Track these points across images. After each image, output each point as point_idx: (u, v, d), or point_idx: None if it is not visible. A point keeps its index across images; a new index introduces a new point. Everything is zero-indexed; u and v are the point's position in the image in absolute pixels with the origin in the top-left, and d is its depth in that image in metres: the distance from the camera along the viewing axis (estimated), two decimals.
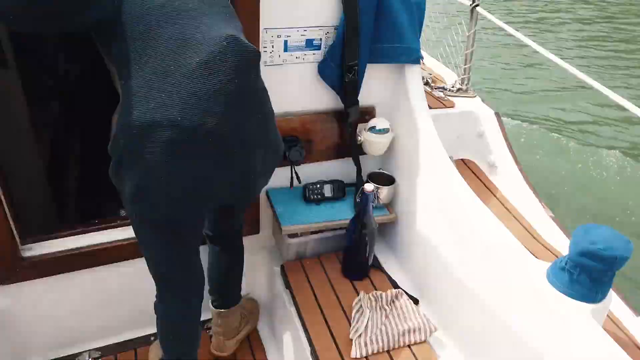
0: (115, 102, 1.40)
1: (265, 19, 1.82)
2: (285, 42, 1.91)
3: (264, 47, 1.88)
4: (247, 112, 1.33)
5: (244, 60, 1.28)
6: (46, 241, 1.87)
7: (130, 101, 1.23)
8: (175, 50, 1.23)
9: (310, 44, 1.95)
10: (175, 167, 1.24)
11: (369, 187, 1.85)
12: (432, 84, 2.78)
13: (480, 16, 2.71)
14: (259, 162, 1.43)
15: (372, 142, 2.09)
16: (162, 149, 1.21)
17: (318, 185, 2.10)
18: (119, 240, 1.91)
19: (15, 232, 1.77)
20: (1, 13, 1.19)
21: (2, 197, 1.69)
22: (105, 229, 1.94)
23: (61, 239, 1.89)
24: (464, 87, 2.77)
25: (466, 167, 2.60)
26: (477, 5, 2.69)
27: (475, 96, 2.75)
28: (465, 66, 2.77)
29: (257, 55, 1.34)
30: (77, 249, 1.87)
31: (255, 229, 2.14)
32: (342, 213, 2.07)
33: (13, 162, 1.90)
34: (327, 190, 2.11)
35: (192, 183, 1.29)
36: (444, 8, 4.12)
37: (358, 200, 2.04)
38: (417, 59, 2.08)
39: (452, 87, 2.78)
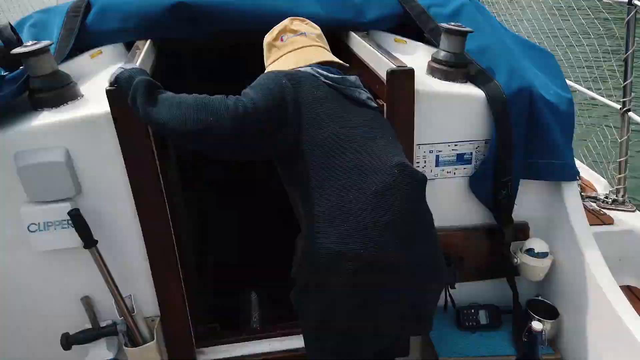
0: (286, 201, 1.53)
1: (419, 134, 1.85)
2: (437, 156, 1.91)
3: (417, 162, 1.89)
4: (420, 240, 1.36)
5: (415, 188, 1.36)
6: (221, 345, 1.97)
7: (314, 230, 1.30)
8: (352, 178, 1.32)
9: (461, 159, 1.93)
10: (357, 300, 1.30)
11: (537, 326, 1.68)
12: (582, 193, 2.58)
13: (632, 120, 2.54)
14: (429, 291, 1.44)
15: (531, 266, 1.95)
16: (346, 281, 1.26)
17: (472, 311, 1.99)
18: (291, 350, 1.96)
19: (192, 335, 1.87)
20: (179, 137, 1.37)
21: (185, 299, 1.81)
22: (279, 336, 2.01)
23: (235, 344, 1.99)
24: (620, 199, 2.54)
25: (633, 295, 2.32)
26: (628, 110, 2.52)
27: (634, 210, 2.50)
28: (620, 175, 2.55)
29: (425, 180, 1.40)
30: (250, 355, 1.94)
31: (404, 351, 2.02)
32: (501, 347, 1.90)
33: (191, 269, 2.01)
34: (482, 317, 1.98)
35: (372, 315, 1.34)
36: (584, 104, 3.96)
37: (525, 339, 1.84)
38: (574, 176, 1.99)
39: (606, 197, 2.56)
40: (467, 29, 1.88)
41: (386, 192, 1.28)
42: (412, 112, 1.80)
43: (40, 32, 2.08)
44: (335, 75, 1.55)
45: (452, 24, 1.91)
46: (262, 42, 1.80)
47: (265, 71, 1.69)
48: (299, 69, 1.57)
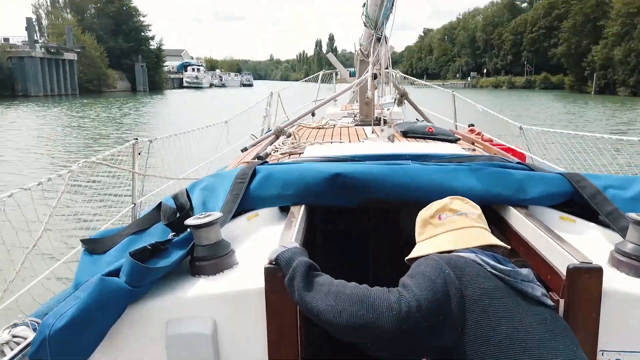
0: None
1: (603, 339, 1.63)
2: None
3: None
4: None
5: None
6: None
7: None
8: None
9: None
10: None
11: None
12: None
13: None
14: None
15: None
16: None
17: None
18: None
19: None
20: (333, 329, 1.35)
21: None
22: None
23: None
24: None
25: None
26: None
27: None
28: None
29: None
30: None
31: None
32: None
33: None
34: None
35: None
36: None
37: None
38: None
39: None
40: None
41: None
42: (597, 315, 1.59)
43: (209, 195, 2.23)
44: (505, 267, 1.44)
45: None
46: (415, 214, 1.77)
47: (416, 246, 1.70)
48: (460, 253, 1.49)
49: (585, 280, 1.56)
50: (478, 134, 5.53)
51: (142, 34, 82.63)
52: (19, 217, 2.52)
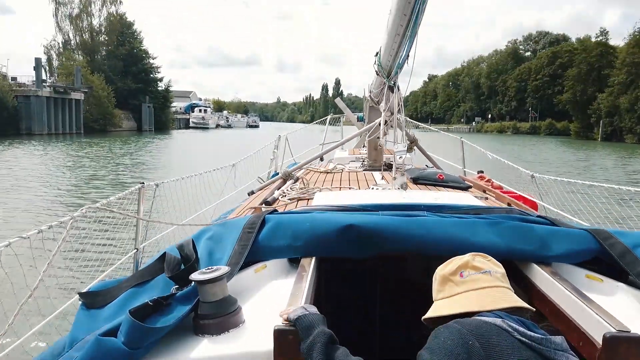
0: None
1: None
2: None
3: None
4: None
5: None
6: None
7: None
8: None
9: None
10: None
11: None
12: None
13: None
14: None
15: None
16: None
17: None
18: None
19: None
20: None
21: None
22: None
23: None
24: None
25: None
26: None
27: None
28: None
29: None
30: None
31: None
32: None
33: None
34: None
35: None
36: None
37: None
38: None
39: None
40: None
41: None
42: None
43: (216, 246, 2.14)
44: (536, 334, 1.34)
45: None
46: (434, 271, 1.68)
47: (434, 305, 1.61)
48: (485, 317, 1.39)
49: (623, 350, 1.47)
50: (488, 181, 5.48)
51: (151, 75, 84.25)
52: (16, 265, 2.43)
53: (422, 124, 15.41)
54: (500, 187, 5.33)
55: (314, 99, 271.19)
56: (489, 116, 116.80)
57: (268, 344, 1.51)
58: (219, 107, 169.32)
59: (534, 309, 1.54)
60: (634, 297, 1.86)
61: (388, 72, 4.15)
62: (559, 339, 1.36)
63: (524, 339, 1.31)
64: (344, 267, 2.92)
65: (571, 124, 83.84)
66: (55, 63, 72.89)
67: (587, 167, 30.20)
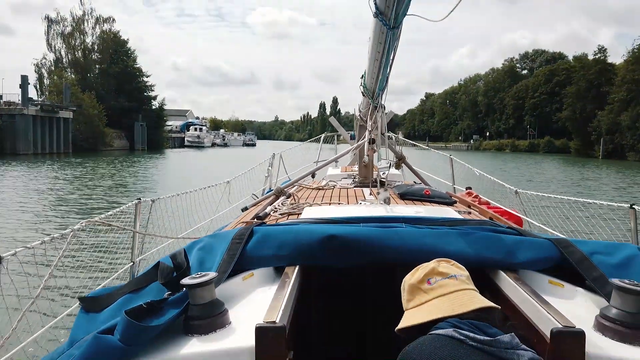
0: None
1: None
2: None
3: None
4: None
5: None
6: None
7: None
8: None
9: None
10: None
11: None
12: None
13: None
14: None
15: None
16: None
17: None
18: None
19: None
20: None
21: None
22: None
23: None
24: None
25: None
26: None
27: None
28: None
29: None
30: None
31: None
32: None
33: None
34: None
35: None
36: None
37: None
38: None
39: None
40: None
41: None
42: None
43: (206, 255, 2.34)
44: (486, 337, 1.44)
45: (627, 281, 1.80)
46: (401, 279, 1.80)
47: (406, 314, 1.73)
48: (439, 331, 1.50)
49: (568, 345, 1.62)
50: (475, 197, 5.71)
51: (145, 93, 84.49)
52: (20, 274, 2.64)
53: (415, 142, 15.69)
54: (487, 203, 5.57)
55: (312, 117, 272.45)
56: (487, 134, 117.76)
57: (250, 341, 1.68)
58: (215, 125, 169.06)
59: (500, 307, 1.67)
60: (589, 300, 2.03)
61: (372, 93, 4.43)
62: (507, 337, 1.47)
63: (475, 344, 1.42)
64: (334, 280, 3.14)
65: (571, 142, 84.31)
66: (46, 82, 72.58)
67: (594, 186, 29.82)
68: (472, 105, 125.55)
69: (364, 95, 4.86)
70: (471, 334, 1.44)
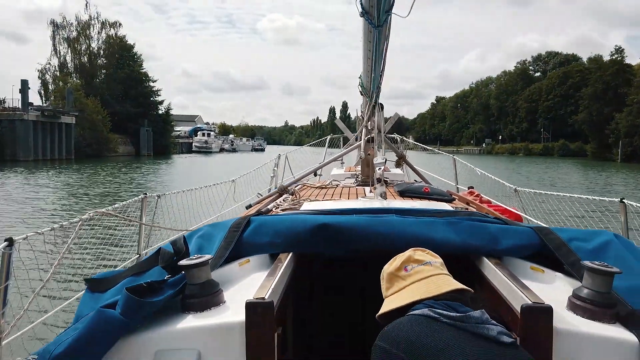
0: None
1: None
2: None
3: None
4: None
5: None
6: None
7: None
8: None
9: None
10: None
11: None
12: None
13: None
14: None
15: None
16: None
17: None
18: None
19: None
20: None
21: None
22: None
23: None
24: None
25: None
26: None
27: None
28: None
29: None
30: None
31: None
32: None
33: None
34: None
35: None
36: None
37: None
38: None
39: None
40: (615, 269, 1.87)
41: None
42: (548, 353, 1.77)
43: (205, 243, 2.56)
44: (458, 314, 1.60)
45: (597, 262, 1.92)
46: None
47: (386, 301, 1.87)
48: (416, 312, 1.66)
49: (536, 319, 1.75)
50: (477, 196, 5.87)
51: (151, 98, 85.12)
52: (30, 259, 2.85)
53: (420, 144, 15.79)
54: (488, 202, 5.73)
55: (322, 122, 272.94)
56: (500, 137, 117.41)
57: (241, 316, 1.86)
58: (225, 130, 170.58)
59: (472, 290, 1.80)
60: (567, 283, 2.18)
61: (369, 92, 4.64)
62: (477, 313, 1.62)
63: (448, 320, 1.58)
64: (328, 270, 3.32)
65: (587, 145, 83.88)
66: (51, 87, 72.76)
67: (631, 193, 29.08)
68: (484, 108, 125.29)
69: (362, 94, 5.07)
70: (444, 312, 1.60)
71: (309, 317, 3.33)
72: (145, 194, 4.32)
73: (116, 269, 2.63)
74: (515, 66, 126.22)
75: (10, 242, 2.59)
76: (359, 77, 4.92)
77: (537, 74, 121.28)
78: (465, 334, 1.55)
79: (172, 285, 2.09)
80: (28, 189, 27.46)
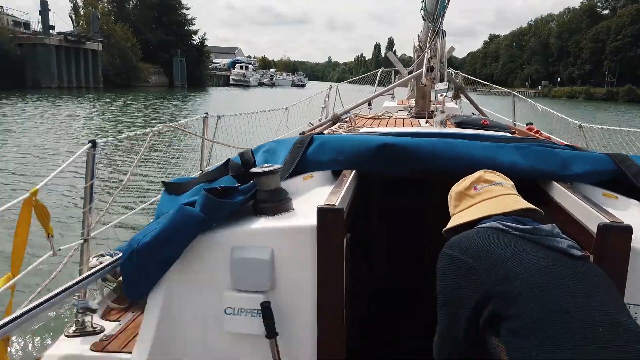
0: None
1: (630, 293, 1.86)
2: None
3: None
4: None
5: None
6: None
7: None
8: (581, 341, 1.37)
9: None
10: None
11: None
12: None
13: None
14: None
15: None
16: None
17: None
18: None
19: None
20: None
21: None
22: None
23: None
24: None
25: None
26: None
27: None
28: None
29: None
30: None
31: None
32: None
33: None
34: None
35: None
36: None
37: None
38: None
39: None
40: None
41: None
42: (624, 271, 1.82)
43: (270, 157, 2.78)
44: (527, 226, 1.64)
45: None
46: (450, 186, 1.99)
47: (453, 217, 1.93)
48: (483, 225, 1.72)
49: (615, 239, 1.81)
50: (536, 132, 5.90)
51: (185, 27, 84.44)
52: (109, 164, 3.18)
53: (474, 78, 15.41)
54: (548, 137, 5.77)
55: (366, 58, 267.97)
56: (558, 80, 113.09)
57: (313, 220, 2.06)
58: (265, 65, 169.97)
59: (542, 211, 1.83)
60: (639, 209, 2.23)
61: (433, 17, 4.66)
62: (548, 226, 1.66)
63: (517, 232, 1.62)
64: (391, 194, 3.49)
65: None
66: (82, 12, 71.48)
67: None
68: (543, 48, 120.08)
69: (424, 19, 5.08)
70: (513, 224, 1.65)
71: (367, 235, 3.57)
72: (207, 113, 4.62)
73: (187, 176, 2.90)
74: (581, 2, 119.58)
75: (94, 143, 2.89)
76: (422, 1, 4.94)
77: (606, 12, 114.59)
78: (535, 245, 1.59)
79: (244, 192, 2.32)
80: (62, 117, 27.66)
